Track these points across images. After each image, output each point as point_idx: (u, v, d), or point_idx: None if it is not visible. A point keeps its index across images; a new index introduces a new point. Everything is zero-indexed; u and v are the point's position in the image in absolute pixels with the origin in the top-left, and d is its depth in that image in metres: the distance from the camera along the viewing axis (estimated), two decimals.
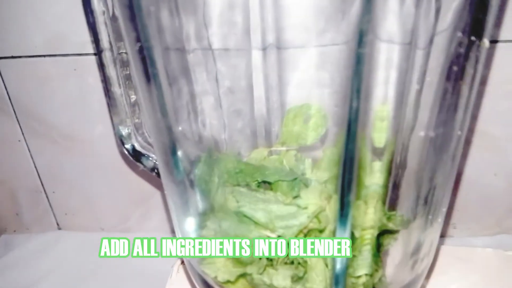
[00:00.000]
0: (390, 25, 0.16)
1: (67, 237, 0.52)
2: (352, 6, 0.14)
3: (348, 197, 0.17)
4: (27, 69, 0.43)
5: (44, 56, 0.42)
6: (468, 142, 0.41)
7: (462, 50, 0.17)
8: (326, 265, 0.21)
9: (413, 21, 0.17)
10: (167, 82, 0.22)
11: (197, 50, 0.26)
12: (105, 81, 0.27)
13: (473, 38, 0.17)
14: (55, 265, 0.49)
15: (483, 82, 0.37)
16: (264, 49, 0.28)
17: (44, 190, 0.50)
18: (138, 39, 0.18)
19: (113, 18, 0.26)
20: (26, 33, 0.41)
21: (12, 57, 0.42)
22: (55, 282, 0.47)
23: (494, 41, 0.34)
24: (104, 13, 0.25)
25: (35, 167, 0.49)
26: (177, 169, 0.24)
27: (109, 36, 0.26)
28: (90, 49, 0.40)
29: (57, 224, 0.53)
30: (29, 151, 0.48)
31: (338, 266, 0.19)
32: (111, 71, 0.27)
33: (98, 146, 0.46)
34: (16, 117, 0.46)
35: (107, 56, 0.26)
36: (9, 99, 0.45)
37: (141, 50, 0.19)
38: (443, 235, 0.46)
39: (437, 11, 0.17)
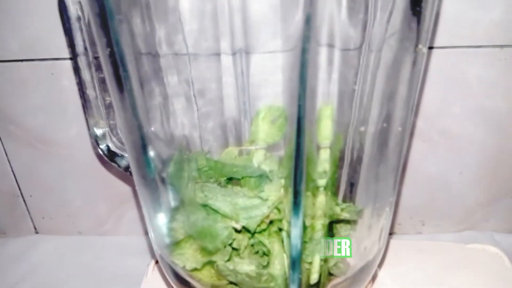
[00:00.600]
0: (331, 31, 0.18)
1: (45, 241, 0.53)
2: (295, 16, 0.16)
3: (299, 187, 0.19)
4: (4, 73, 0.44)
5: (21, 60, 0.43)
6: (434, 143, 0.44)
7: (400, 55, 0.20)
8: (286, 253, 0.23)
9: (352, 29, 0.20)
10: (139, 85, 0.25)
11: (168, 54, 0.28)
12: (80, 84, 0.29)
13: (408, 44, 0.20)
14: (33, 269, 0.49)
15: (443, 83, 0.40)
16: (233, 53, 0.31)
17: (21, 194, 0.51)
18: (108, 45, 0.20)
19: (89, 24, 0.28)
20: (3, 38, 0.42)
21: None
22: (33, 286, 0.48)
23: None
24: (79, 19, 0.27)
25: (12, 171, 0.50)
26: (149, 167, 0.26)
27: (84, 41, 0.28)
28: (67, 53, 0.42)
29: (35, 228, 0.54)
30: (6, 155, 0.49)
31: (294, 252, 0.21)
32: (86, 74, 0.29)
33: (75, 149, 0.48)
34: None
35: (82, 60, 0.28)
36: None
37: (111, 55, 0.21)
38: (411, 232, 0.49)
39: (375, 19, 0.20)
